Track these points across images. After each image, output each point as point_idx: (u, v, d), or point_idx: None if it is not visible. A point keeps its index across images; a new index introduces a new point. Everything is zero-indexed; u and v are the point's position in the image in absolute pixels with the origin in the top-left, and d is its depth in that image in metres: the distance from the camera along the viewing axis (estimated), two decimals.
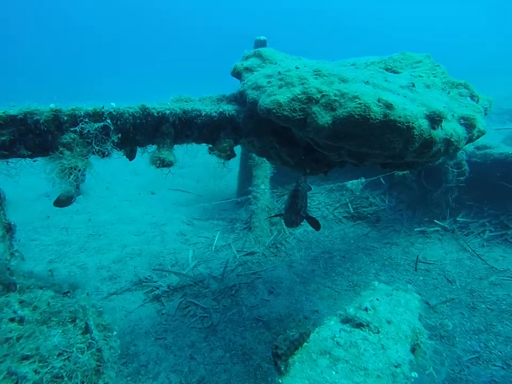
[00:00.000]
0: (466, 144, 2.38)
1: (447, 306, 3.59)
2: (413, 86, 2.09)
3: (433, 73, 2.42)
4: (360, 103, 1.76)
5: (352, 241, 5.33)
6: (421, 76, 2.34)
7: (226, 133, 2.31)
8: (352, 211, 6.21)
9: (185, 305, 3.59)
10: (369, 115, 1.75)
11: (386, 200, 6.15)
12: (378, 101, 1.79)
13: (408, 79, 2.16)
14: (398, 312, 1.68)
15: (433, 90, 2.23)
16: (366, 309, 1.64)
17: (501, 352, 2.98)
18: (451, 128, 2.07)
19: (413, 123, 1.81)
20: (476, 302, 3.60)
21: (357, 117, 1.77)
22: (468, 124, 2.11)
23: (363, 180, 5.78)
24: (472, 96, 2.34)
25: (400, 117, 1.79)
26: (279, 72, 2.09)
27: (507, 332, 3.17)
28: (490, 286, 3.83)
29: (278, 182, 7.43)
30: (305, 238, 5.47)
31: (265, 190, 5.78)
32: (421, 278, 4.15)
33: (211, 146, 2.39)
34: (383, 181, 5.91)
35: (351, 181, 5.88)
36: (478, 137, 2.27)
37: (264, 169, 5.97)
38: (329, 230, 5.86)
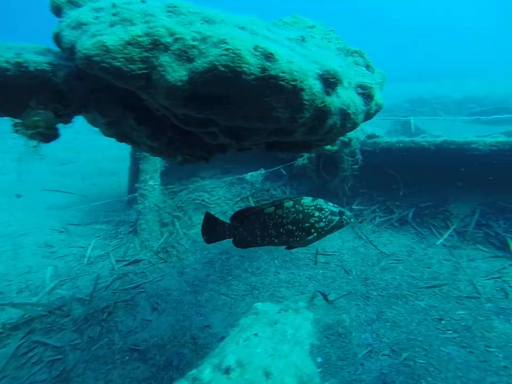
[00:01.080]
0: (364, 120, 2.07)
1: (345, 299, 3.45)
2: (303, 40, 1.65)
3: (327, 38, 2.06)
4: (227, 49, 1.20)
5: None
6: (313, 37, 1.95)
7: (39, 101, 1.55)
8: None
9: (26, 349, 2.65)
10: (241, 67, 1.22)
11: (288, 192, 6.00)
12: (255, 49, 1.26)
13: (297, 34, 1.71)
14: (282, 354, 1.23)
15: (327, 51, 1.86)
16: (227, 370, 1.11)
17: (388, 339, 2.91)
18: (348, 97, 1.66)
19: (301, 82, 1.34)
20: (370, 290, 3.55)
21: (222, 69, 1.20)
22: (366, 93, 1.73)
23: (263, 171, 5.48)
24: (367, 67, 2.05)
25: (284, 72, 1.29)
26: (114, 5, 1.42)
27: (394, 316, 3.14)
28: (381, 272, 3.86)
29: (174, 176, 6.69)
30: (202, 238, 4.90)
31: (155, 187, 5.01)
32: (321, 271, 3.99)
33: (18, 121, 1.59)
34: (283, 172, 5.71)
35: (250, 173, 5.52)
36: (376, 112, 1.97)
37: (154, 162, 5.17)
38: None
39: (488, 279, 3.55)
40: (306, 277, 3.88)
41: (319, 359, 2.76)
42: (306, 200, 2.00)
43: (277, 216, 2.01)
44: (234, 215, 2.12)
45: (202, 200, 6.25)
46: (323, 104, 1.45)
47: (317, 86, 1.41)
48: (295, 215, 2.01)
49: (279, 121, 1.43)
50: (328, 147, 4.03)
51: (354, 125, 1.72)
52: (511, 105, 13.95)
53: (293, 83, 1.29)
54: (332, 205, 2.02)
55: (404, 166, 4.97)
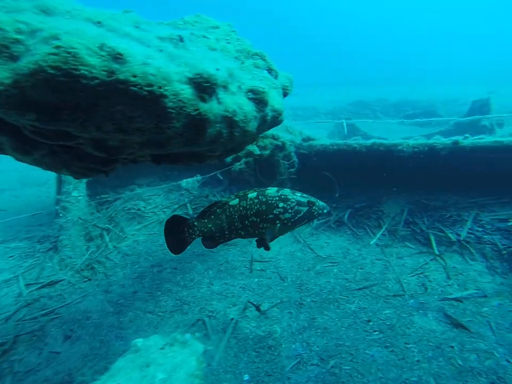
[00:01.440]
0: (266, 128, 1.94)
1: (278, 308, 3.37)
2: (181, 40, 1.48)
3: (226, 39, 1.92)
4: (58, 47, 0.98)
5: (188, 247, 4.73)
6: (206, 37, 1.79)
7: None
8: (191, 212, 5.65)
9: None
10: (78, 70, 1.01)
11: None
12: (101, 47, 1.06)
13: (177, 32, 1.53)
14: None
15: (216, 53, 1.71)
16: None
17: (318, 347, 2.87)
18: (235, 102, 1.53)
19: (160, 88, 1.17)
20: (303, 297, 3.51)
21: (51, 71, 0.98)
22: (259, 99, 1.61)
23: (199, 177, 5.27)
24: (270, 70, 1.95)
25: (135, 76, 1.10)
26: None
27: (325, 322, 3.12)
28: (316, 276, 3.85)
29: (109, 185, 6.23)
30: (133, 250, 4.58)
31: (79, 198, 4.57)
32: (256, 280, 3.88)
33: None
34: (220, 177, 5.54)
35: (186, 180, 5.29)
36: (275, 118, 1.85)
37: None
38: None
39: (412, 276, 3.69)
40: (240, 287, 3.74)
41: (246, 377, 2.63)
42: (271, 191, 1.96)
43: (241, 208, 1.97)
44: (203, 212, 2.05)
45: (138, 210, 5.88)
46: (197, 111, 1.30)
47: (186, 91, 1.25)
48: (258, 206, 1.97)
49: (144, 133, 1.25)
50: (258, 151, 3.94)
51: (246, 133, 1.59)
52: (437, 109, 15.14)
53: (148, 89, 1.12)
54: (300, 195, 1.97)
55: (338, 168, 5.07)
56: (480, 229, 4.07)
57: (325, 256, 4.25)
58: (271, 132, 4.43)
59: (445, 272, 3.67)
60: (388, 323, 3.05)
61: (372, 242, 4.48)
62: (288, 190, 1.98)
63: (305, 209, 1.93)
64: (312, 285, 3.70)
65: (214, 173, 5.40)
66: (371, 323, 3.07)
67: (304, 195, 1.98)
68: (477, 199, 4.43)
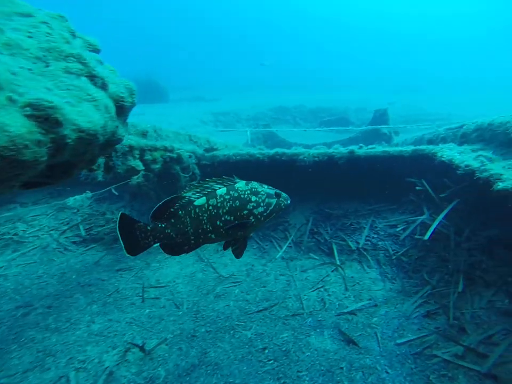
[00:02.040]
0: (69, 152, 1.43)
1: (166, 345, 2.95)
2: None
3: (30, 32, 1.45)
4: None
5: (74, 276, 4.05)
6: None
7: None
8: (83, 233, 4.91)
9: None
10: None
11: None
12: None
13: None
14: None
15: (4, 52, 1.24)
16: None
17: None
18: None
19: None
20: (198, 327, 3.15)
21: None
22: (42, 116, 1.17)
23: (89, 194, 4.58)
24: (92, 77, 1.53)
25: None
26: None
27: (217, 356, 2.81)
28: (215, 300, 3.53)
29: None
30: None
31: None
32: (147, 311, 3.41)
33: None
34: (115, 193, 4.91)
35: (74, 197, 4.55)
36: (82, 139, 1.37)
37: None
38: (47, 266, 4.33)
39: (313, 291, 3.60)
40: (127, 322, 3.23)
41: None
42: (240, 184, 1.74)
43: (210, 208, 1.69)
44: (155, 213, 1.70)
45: (15, 234, 4.92)
46: None
47: None
48: (231, 202, 1.72)
49: None
50: (141, 166, 3.47)
51: (20, 164, 1.13)
52: (349, 116, 16.31)
53: None
54: (266, 187, 1.79)
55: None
56: (375, 236, 4.20)
57: (228, 275, 3.97)
58: (165, 143, 4.00)
59: (344, 283, 3.66)
60: (283, 349, 2.85)
61: (278, 256, 4.33)
62: (256, 182, 1.78)
63: (274, 201, 1.76)
64: (210, 311, 3.37)
65: (107, 189, 4.75)
66: (266, 351, 2.84)
67: (269, 186, 1.81)
68: (373, 206, 4.59)
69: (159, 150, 3.70)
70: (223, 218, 1.69)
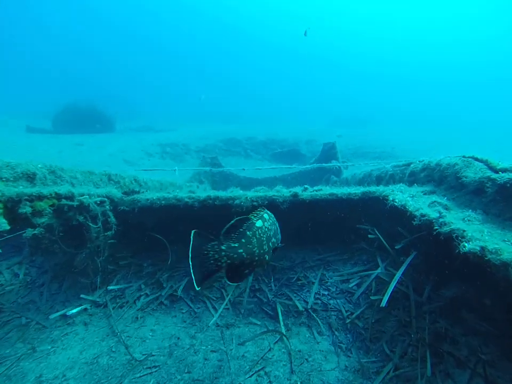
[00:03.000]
0: None
1: None
2: None
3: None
4: None
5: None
6: None
7: None
8: None
9: None
10: None
11: (22, 274, 4.12)
12: None
13: None
14: None
15: None
16: None
17: None
18: None
19: None
20: None
21: None
22: None
23: None
24: None
25: None
26: None
27: None
28: None
29: None
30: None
31: None
32: None
33: None
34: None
35: None
36: None
37: None
38: None
39: (251, 375, 2.81)
40: None
41: None
42: (267, 211, 1.96)
43: (266, 229, 1.83)
44: (227, 233, 1.77)
45: None
46: None
47: None
48: (274, 225, 1.93)
49: None
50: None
51: None
52: (300, 148, 16.43)
53: None
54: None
55: (170, 227, 4.06)
56: (326, 293, 3.58)
57: (143, 357, 3.05)
58: (60, 188, 3.12)
59: (289, 361, 2.93)
60: None
61: (211, 322, 3.51)
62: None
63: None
64: None
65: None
66: None
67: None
68: (322, 255, 4.02)
69: (51, 198, 2.82)
70: (272, 240, 1.84)
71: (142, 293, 3.84)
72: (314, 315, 3.38)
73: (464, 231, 2.07)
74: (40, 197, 2.72)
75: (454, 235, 2.10)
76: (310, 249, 4.18)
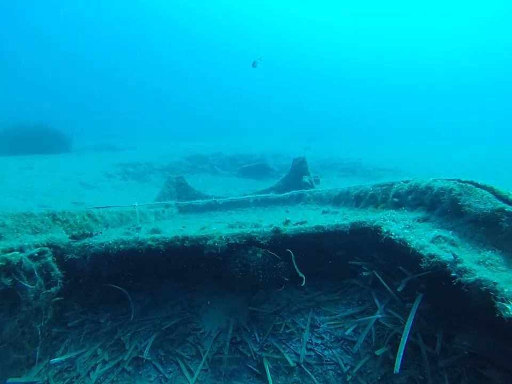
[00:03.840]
0: None
1: None
2: None
3: None
4: None
5: None
6: None
7: None
8: None
9: None
10: None
11: None
12: None
13: None
14: None
15: None
16: None
17: None
18: None
19: None
20: None
21: None
22: None
23: None
24: None
25: None
26: None
27: None
28: None
29: None
30: None
31: None
32: None
33: None
34: None
35: None
36: None
37: None
38: None
39: None
40: None
41: None
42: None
43: None
44: None
45: None
46: None
47: None
48: None
49: None
50: None
51: None
52: (268, 162, 16.15)
53: None
54: None
55: (131, 275, 3.43)
56: (319, 341, 3.11)
57: None
58: None
59: None
60: None
61: None
62: None
63: None
64: None
65: None
66: None
67: None
68: (310, 294, 3.56)
69: None
70: None
71: (98, 361, 3.14)
72: (308, 371, 2.89)
73: (495, 283, 1.71)
74: None
75: (485, 289, 1.73)
76: (294, 287, 3.71)
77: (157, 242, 3.20)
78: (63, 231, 3.66)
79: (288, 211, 7.80)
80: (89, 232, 3.36)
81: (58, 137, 23.22)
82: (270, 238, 3.30)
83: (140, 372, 3.09)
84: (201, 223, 5.67)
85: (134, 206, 4.57)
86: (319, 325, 3.24)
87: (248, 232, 3.28)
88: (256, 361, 3.11)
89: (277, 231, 3.31)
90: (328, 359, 2.94)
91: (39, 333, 2.99)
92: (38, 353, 3.01)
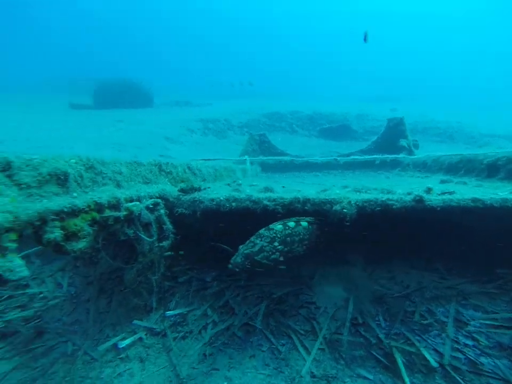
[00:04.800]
0: None
1: None
2: None
3: None
4: None
5: None
6: None
7: None
8: None
9: None
10: None
11: (65, 284, 3.44)
12: None
13: None
14: None
15: None
16: None
17: None
18: None
19: None
20: None
21: None
22: None
23: None
24: None
25: None
26: None
27: None
28: None
29: None
30: None
31: None
32: None
33: None
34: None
35: None
36: None
37: None
38: None
39: None
40: None
41: None
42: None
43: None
44: None
45: None
46: None
47: None
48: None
49: None
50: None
51: None
52: (350, 123, 14.81)
53: None
54: None
55: (242, 235, 3.12)
56: (469, 343, 2.50)
57: None
58: (100, 196, 2.23)
59: None
60: None
61: (304, 371, 2.59)
62: None
63: None
64: None
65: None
66: None
67: None
68: (449, 280, 2.90)
69: (85, 211, 1.94)
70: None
71: (208, 320, 2.99)
72: (458, 377, 2.34)
73: None
74: (73, 212, 1.84)
75: None
76: (426, 269, 3.07)
77: (274, 203, 2.79)
78: (168, 183, 3.49)
79: (388, 177, 6.91)
80: (197, 186, 3.09)
81: (142, 93, 24.41)
82: (409, 208, 2.66)
83: (250, 339, 2.87)
84: (295, 184, 5.19)
85: (245, 159, 4.24)
86: (468, 321, 2.61)
87: (383, 199, 2.67)
88: (382, 349, 2.65)
89: (420, 200, 2.64)
90: (489, 370, 2.33)
91: (154, 284, 2.91)
92: (154, 302, 2.97)
